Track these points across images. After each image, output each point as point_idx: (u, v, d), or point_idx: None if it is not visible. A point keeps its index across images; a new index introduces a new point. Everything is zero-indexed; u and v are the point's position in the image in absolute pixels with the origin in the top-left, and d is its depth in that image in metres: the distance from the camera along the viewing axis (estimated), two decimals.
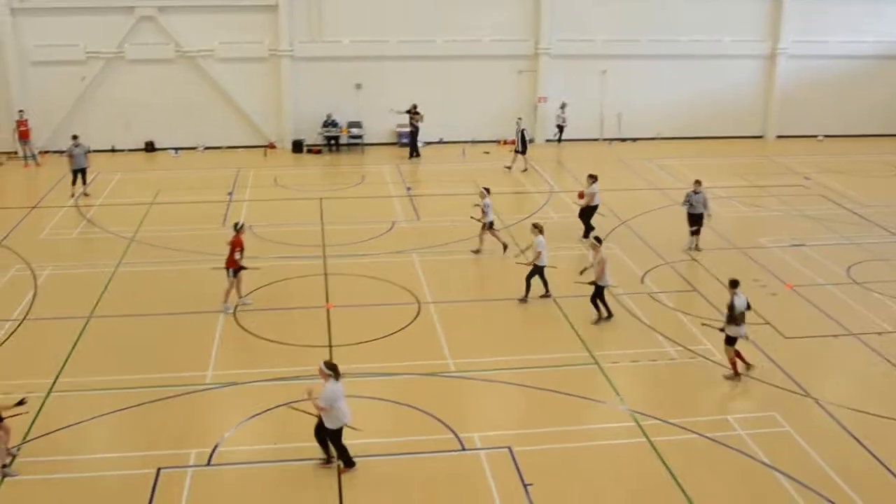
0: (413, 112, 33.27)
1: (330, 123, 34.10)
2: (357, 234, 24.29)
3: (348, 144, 34.41)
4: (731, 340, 16.42)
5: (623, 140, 36.80)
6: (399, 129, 34.75)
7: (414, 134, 33.48)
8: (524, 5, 34.75)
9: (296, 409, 14.20)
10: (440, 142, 35.48)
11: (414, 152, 33.51)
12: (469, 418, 15.18)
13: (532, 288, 19.90)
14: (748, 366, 16.73)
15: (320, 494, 13.12)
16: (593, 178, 23.89)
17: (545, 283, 20.04)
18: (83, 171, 28.36)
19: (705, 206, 23.11)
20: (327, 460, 13.74)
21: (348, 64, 34.16)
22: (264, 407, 15.49)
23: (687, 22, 35.55)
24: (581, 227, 24.09)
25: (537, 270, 19.80)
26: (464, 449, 14.18)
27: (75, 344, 17.89)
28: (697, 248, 23.17)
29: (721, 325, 16.58)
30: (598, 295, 18.87)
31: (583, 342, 17.91)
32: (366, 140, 34.48)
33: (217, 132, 34.57)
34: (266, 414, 15.29)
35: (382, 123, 34.31)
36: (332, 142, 34.36)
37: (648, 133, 36.89)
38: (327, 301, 19.91)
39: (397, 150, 34.47)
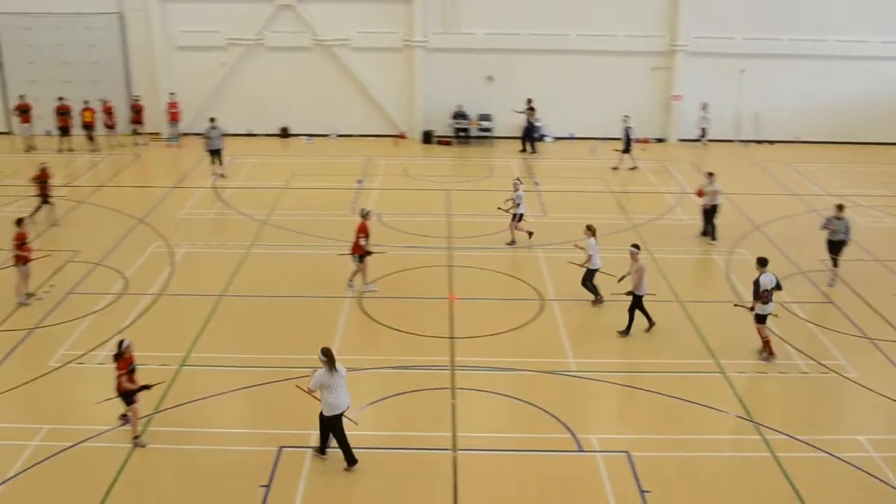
0: (528, 108, 33.14)
1: (460, 115, 34.21)
2: (483, 227, 24.30)
3: (478, 137, 34.44)
4: (761, 318, 16.79)
5: (759, 142, 35.59)
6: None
7: (528, 129, 33.35)
8: (661, 1, 33.98)
9: (300, 388, 14.12)
10: (570, 137, 35.13)
11: (528, 147, 33.35)
12: (588, 419, 15.00)
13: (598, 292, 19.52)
14: (770, 355, 16.92)
15: (434, 483, 13.19)
16: (711, 176, 23.20)
17: (594, 289, 19.46)
18: (218, 153, 29.55)
19: (847, 232, 20.77)
20: (322, 450, 13.72)
21: (480, 56, 34.18)
22: (383, 394, 15.68)
23: (832, 21, 34.00)
24: (701, 224, 23.56)
25: (590, 274, 19.31)
26: (581, 450, 14.02)
27: (207, 321, 18.53)
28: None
29: (750, 304, 16.87)
30: (636, 305, 18.01)
31: (709, 349, 17.42)
32: (495, 133, 34.44)
33: (349, 121, 35.18)
34: (384, 401, 15.48)
35: (513, 117, 34.19)
36: (462, 134, 34.47)
37: (787, 136, 35.55)
38: (451, 293, 20.00)
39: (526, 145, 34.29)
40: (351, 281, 19.96)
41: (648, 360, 16.95)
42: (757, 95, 34.91)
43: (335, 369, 13.27)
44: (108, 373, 16.15)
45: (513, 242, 22.89)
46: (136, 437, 14.10)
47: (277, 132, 35.29)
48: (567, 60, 34.13)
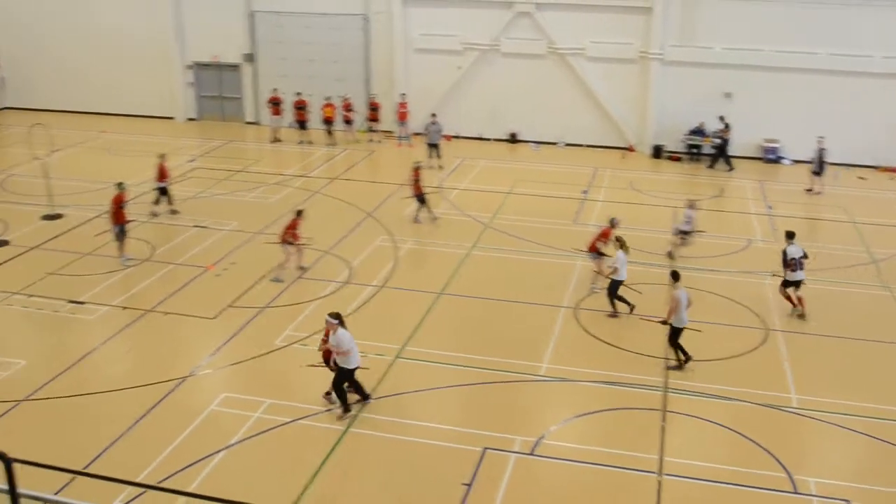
0: (724, 125, 32.16)
1: (697, 131, 33.20)
2: (709, 247, 23.45)
3: (710, 154, 33.27)
4: (787, 284, 19.28)
5: None
6: (766, 145, 33.11)
7: (719, 147, 32.28)
8: None
9: (314, 366, 15.30)
10: (811, 161, 33.15)
11: (716, 164, 32.29)
12: (806, 460, 14.13)
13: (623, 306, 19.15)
14: (794, 308, 19.17)
15: (636, 502, 12.84)
16: None
17: (617, 301, 19.11)
18: (436, 147, 31.34)
19: None
20: (363, 399, 15.34)
21: (718, 71, 32.97)
22: (591, 408, 15.47)
23: None
24: None
25: (615, 285, 18.60)
26: (796, 492, 13.21)
27: (424, 316, 18.98)
28: None
29: (782, 274, 19.18)
30: (674, 336, 16.78)
31: None
32: (730, 152, 33.14)
33: (578, 130, 35.00)
34: (592, 415, 15.26)
35: (749, 135, 32.78)
36: (694, 150, 33.44)
37: None
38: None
39: (762, 166, 32.72)
40: (593, 283, 20.50)
41: (881, 406, 15.72)
42: None
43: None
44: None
45: (671, 255, 22.73)
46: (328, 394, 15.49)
47: (506, 137, 35.67)
48: (813, 80, 32.20)
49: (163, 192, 25.45)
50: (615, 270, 18.98)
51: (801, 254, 19.16)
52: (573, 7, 33.65)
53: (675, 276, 17.41)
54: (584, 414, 15.31)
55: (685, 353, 16.96)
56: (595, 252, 20.58)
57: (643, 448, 14.23)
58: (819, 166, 29.19)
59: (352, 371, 14.91)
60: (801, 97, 32.42)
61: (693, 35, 32.99)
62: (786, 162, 33.04)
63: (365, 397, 15.27)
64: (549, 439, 14.44)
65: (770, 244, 24.04)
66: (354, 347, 14.85)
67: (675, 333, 16.86)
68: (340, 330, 14.67)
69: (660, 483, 13.30)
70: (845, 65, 31.80)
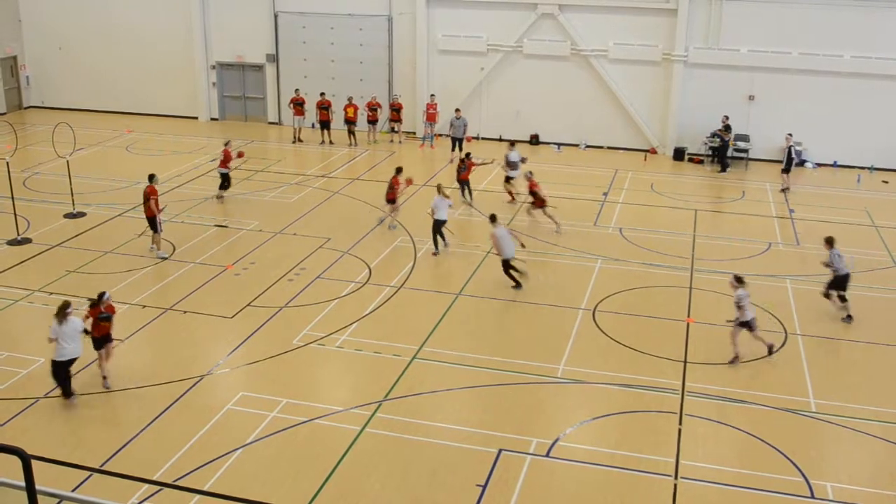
0: (724, 126, 32.26)
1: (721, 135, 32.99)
2: (729, 251, 23.32)
3: (733, 157, 33.06)
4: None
5: None
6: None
7: (717, 149, 32.36)
8: None
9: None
10: (834, 165, 32.96)
11: (721, 165, 32.28)
12: (824, 465, 13.98)
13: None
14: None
15: None
16: None
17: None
18: (459, 141, 32.07)
19: None
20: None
21: (742, 74, 32.77)
22: (607, 410, 15.41)
23: None
24: None
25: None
26: (813, 497, 13.09)
27: (442, 317, 18.98)
28: None
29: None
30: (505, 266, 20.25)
31: None
32: (752, 155, 32.95)
33: (600, 132, 34.90)
34: (608, 417, 15.20)
35: (772, 139, 32.56)
36: (717, 153, 33.21)
37: None
38: (689, 315, 19.33)
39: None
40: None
41: None
42: None
43: None
44: (346, 356, 17.01)
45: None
46: (104, 379, 15.95)
47: (528, 139, 35.61)
48: (838, 83, 31.93)
49: (224, 177, 26.75)
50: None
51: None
52: (597, 9, 33.59)
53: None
54: (601, 416, 15.25)
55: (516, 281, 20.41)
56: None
57: (660, 451, 14.15)
58: (788, 163, 29.29)
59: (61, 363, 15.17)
60: (826, 100, 32.17)
61: (718, 37, 32.77)
62: (809, 165, 32.78)
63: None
64: (565, 441, 14.39)
65: (792, 247, 23.87)
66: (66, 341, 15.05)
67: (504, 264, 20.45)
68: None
69: (676, 486, 13.22)
70: (870, 67, 31.51)
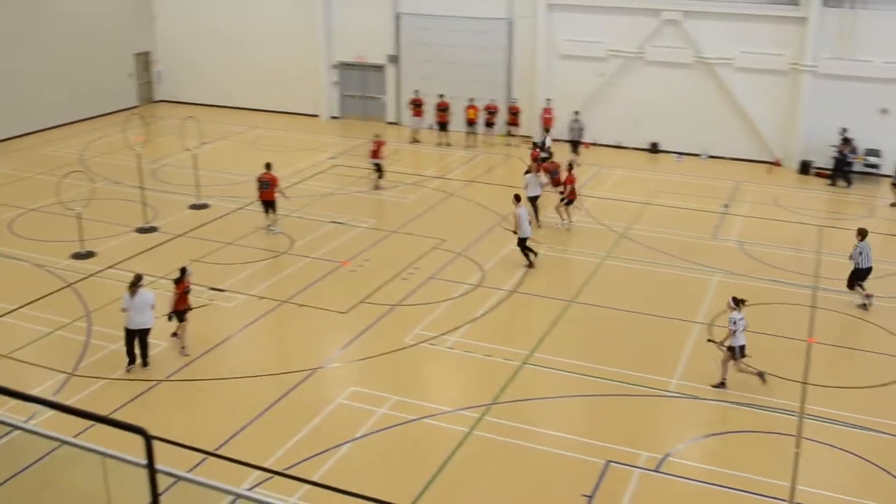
0: (843, 139, 30.78)
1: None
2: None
3: (862, 172, 31.74)
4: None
5: None
6: None
7: (839, 161, 30.82)
8: None
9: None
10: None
11: (837, 180, 30.86)
12: None
13: None
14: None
15: None
16: None
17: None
18: (577, 144, 32.75)
19: None
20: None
21: (876, 86, 31.40)
22: (722, 429, 15.01)
23: None
24: None
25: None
26: None
27: (554, 324, 18.81)
28: None
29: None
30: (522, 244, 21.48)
31: None
32: (882, 171, 31.57)
33: (722, 142, 34.00)
34: (723, 436, 14.79)
35: None
36: (838, 167, 31.94)
37: None
38: (810, 335, 18.64)
39: None
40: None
41: None
42: None
43: None
44: (456, 357, 17.05)
45: None
46: (182, 348, 17.07)
47: (647, 147, 35.01)
48: None
49: (378, 168, 28.39)
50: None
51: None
52: (723, 16, 32.75)
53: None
54: (714, 434, 14.85)
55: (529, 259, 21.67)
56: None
57: (774, 474, 13.67)
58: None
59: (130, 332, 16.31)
60: None
61: (851, 47, 31.54)
62: None
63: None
64: (676, 457, 14.07)
65: None
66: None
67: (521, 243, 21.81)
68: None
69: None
70: None
